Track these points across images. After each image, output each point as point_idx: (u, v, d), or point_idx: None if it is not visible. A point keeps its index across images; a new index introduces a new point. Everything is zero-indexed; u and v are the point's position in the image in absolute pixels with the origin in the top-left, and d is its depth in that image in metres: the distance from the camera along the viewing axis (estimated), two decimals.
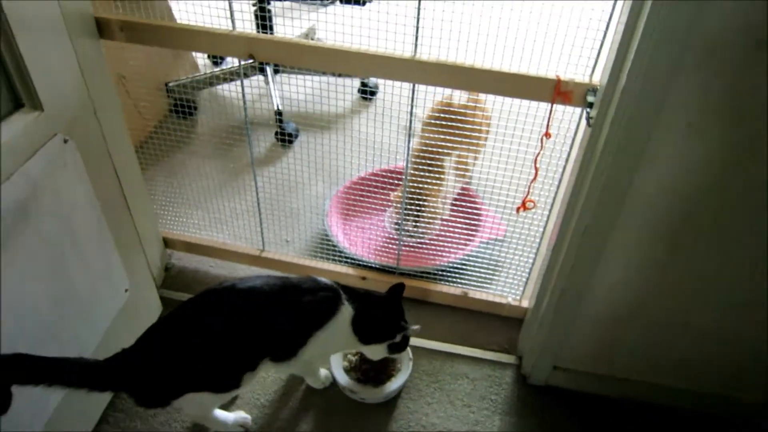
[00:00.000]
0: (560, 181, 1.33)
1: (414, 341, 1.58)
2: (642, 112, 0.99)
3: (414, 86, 1.26)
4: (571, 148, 1.26)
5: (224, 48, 1.27)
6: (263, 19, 1.98)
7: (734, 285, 1.20)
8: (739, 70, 0.92)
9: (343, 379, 1.45)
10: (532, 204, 1.32)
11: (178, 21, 1.44)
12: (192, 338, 1.16)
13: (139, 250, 1.52)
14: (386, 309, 1.33)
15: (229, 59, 2.58)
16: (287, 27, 2.41)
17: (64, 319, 1.17)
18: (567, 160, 1.29)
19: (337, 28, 1.28)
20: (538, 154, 1.22)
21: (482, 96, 1.85)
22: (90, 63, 1.23)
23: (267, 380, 1.49)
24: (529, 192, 1.30)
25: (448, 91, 1.82)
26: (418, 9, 1.16)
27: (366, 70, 1.22)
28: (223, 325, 1.17)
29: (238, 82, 1.45)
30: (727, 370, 1.37)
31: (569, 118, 1.22)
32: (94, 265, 1.24)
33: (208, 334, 1.16)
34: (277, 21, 2.35)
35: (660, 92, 0.96)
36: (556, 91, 1.14)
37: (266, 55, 1.24)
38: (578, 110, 1.20)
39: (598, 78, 1.11)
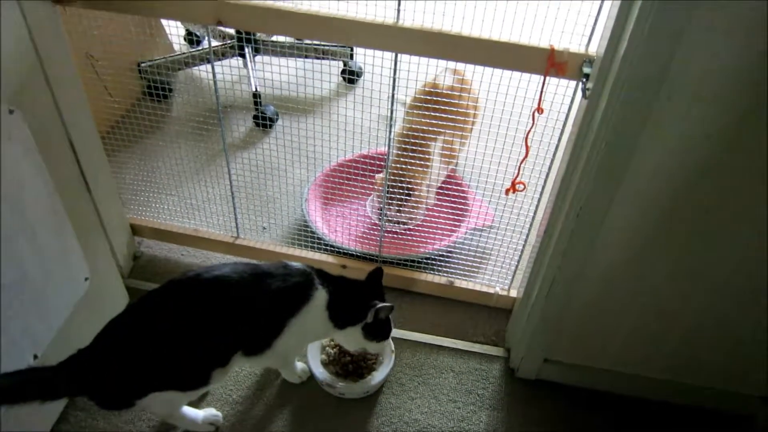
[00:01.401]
0: (552, 161, 1.25)
1: (397, 333, 1.50)
2: (643, 80, 0.91)
3: (397, 56, 1.17)
4: (564, 124, 1.18)
5: (190, 14, 1.17)
6: None
7: (733, 270, 1.13)
8: (751, 29, 0.83)
9: (321, 373, 1.36)
10: (522, 186, 1.23)
11: None
12: (154, 333, 1.07)
13: (101, 236, 1.42)
14: (360, 290, 1.25)
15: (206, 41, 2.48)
16: None
17: (13, 310, 1.06)
18: (560, 139, 1.21)
19: (322, 5, 1.19)
20: (530, 130, 1.14)
21: (468, 76, 1.77)
22: (42, 29, 1.12)
23: (240, 375, 1.39)
24: (519, 173, 1.22)
25: (433, 74, 1.74)
26: None
27: (345, 36, 1.13)
28: (187, 318, 1.08)
29: (217, 64, 1.35)
30: (723, 364, 1.31)
31: (563, 93, 1.14)
32: (48, 250, 1.14)
33: (172, 328, 1.07)
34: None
35: (663, 58, 0.88)
36: (550, 62, 1.05)
37: (236, 21, 1.14)
38: (572, 86, 1.12)
39: (595, 49, 1.03)
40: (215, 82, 1.38)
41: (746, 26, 0.83)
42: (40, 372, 1.04)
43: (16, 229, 1.04)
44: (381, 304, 1.20)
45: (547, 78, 1.08)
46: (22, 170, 1.04)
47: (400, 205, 1.64)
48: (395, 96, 1.26)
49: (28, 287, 1.09)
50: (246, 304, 1.12)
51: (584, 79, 1.03)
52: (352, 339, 1.26)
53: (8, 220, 1.02)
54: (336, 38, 1.13)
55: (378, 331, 1.25)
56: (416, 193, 1.63)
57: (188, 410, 1.26)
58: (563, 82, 1.10)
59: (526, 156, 1.17)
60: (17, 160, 1.02)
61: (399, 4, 1.08)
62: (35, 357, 1.13)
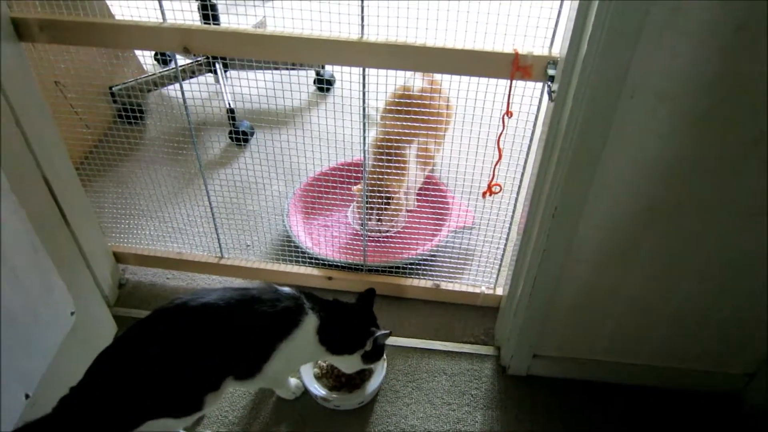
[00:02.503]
0: (525, 161, 1.27)
1: (388, 340, 1.50)
2: (606, 80, 0.92)
3: (364, 71, 1.18)
4: (534, 126, 1.20)
5: (156, 42, 1.17)
6: (207, 18, 1.88)
7: (711, 258, 1.16)
8: (706, 28, 0.86)
9: (314, 387, 1.37)
10: (499, 188, 1.25)
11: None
12: (143, 363, 1.07)
13: (84, 268, 1.41)
14: (354, 316, 1.26)
15: (179, 60, 2.47)
16: (236, 23, 2.31)
17: (1, 352, 1.06)
18: (531, 140, 1.23)
19: (286, 22, 1.20)
20: (501, 134, 1.16)
21: (438, 78, 1.78)
22: (8, 67, 1.12)
23: (235, 395, 1.40)
24: (494, 175, 1.24)
25: (402, 80, 1.75)
26: None
27: (311, 56, 1.13)
28: (176, 346, 1.08)
29: (188, 83, 1.35)
30: (707, 345, 1.33)
31: (531, 94, 1.16)
32: (30, 287, 1.13)
33: (161, 356, 1.08)
34: (223, 18, 2.25)
35: (623, 57, 0.90)
36: (515, 66, 1.07)
37: (203, 47, 1.14)
38: (539, 87, 1.14)
39: (558, 50, 1.05)
40: (185, 105, 1.38)
41: (701, 24, 0.85)
42: (38, 425, 1.03)
43: None
44: (379, 333, 1.23)
45: (514, 81, 1.09)
46: None
47: (380, 215, 1.65)
48: (366, 108, 1.28)
49: (14, 328, 1.09)
50: (234, 329, 1.12)
51: (549, 81, 1.05)
52: (348, 363, 1.28)
53: None
54: (302, 58, 1.14)
55: (376, 354, 1.27)
56: (395, 200, 1.64)
57: None
58: (530, 84, 1.12)
59: (500, 159, 1.19)
60: None
61: (363, 20, 1.09)
62: (27, 396, 1.12)
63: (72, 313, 1.27)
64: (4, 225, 1.06)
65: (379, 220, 1.66)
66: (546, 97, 1.11)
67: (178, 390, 1.10)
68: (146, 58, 2.34)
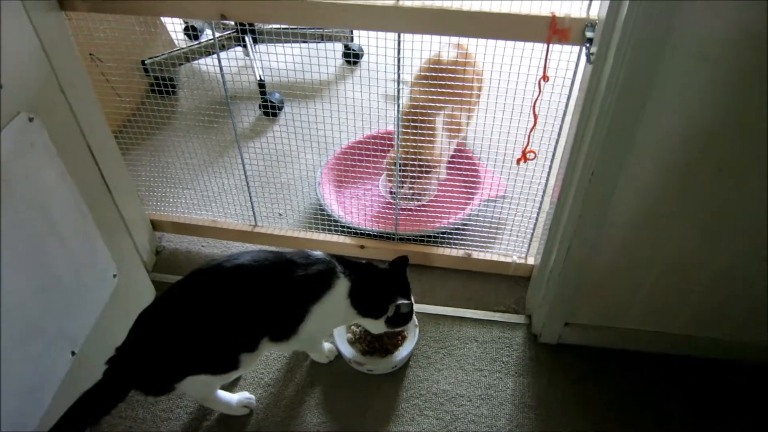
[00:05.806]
0: (561, 127, 1.26)
1: (419, 307, 1.53)
2: (646, 41, 0.91)
3: (400, 36, 1.18)
4: (570, 89, 1.19)
5: (193, 10, 1.18)
6: None
7: (750, 221, 1.14)
8: None
9: (348, 351, 1.40)
10: (533, 154, 1.25)
11: None
12: (182, 321, 1.11)
13: (125, 234, 1.45)
14: (383, 281, 1.27)
15: (206, 33, 2.49)
16: None
17: (49, 311, 1.11)
18: (567, 104, 1.21)
19: None
20: (536, 99, 1.15)
21: (472, 50, 1.77)
22: (51, 36, 1.15)
23: (270, 358, 1.44)
24: (529, 142, 1.23)
25: (436, 49, 1.74)
26: None
27: (347, 21, 1.14)
28: (211, 305, 1.12)
29: (218, 56, 1.37)
30: (743, 314, 1.32)
31: (567, 59, 1.14)
32: (77, 250, 1.18)
33: (197, 315, 1.11)
34: None
35: (666, 18, 0.88)
36: (552, 29, 1.06)
37: (239, 14, 1.15)
38: (576, 51, 1.13)
39: (596, 12, 1.04)
40: (222, 74, 1.39)
41: None
42: (96, 391, 1.07)
43: (46, 234, 1.08)
44: (401, 302, 1.24)
45: (551, 45, 1.08)
46: (47, 176, 1.07)
47: (413, 183, 1.65)
48: (401, 74, 1.27)
49: (60, 288, 1.13)
50: (267, 291, 1.15)
51: (588, 44, 1.03)
52: (374, 326, 1.30)
53: (38, 226, 1.06)
54: (338, 23, 1.14)
55: (399, 320, 1.29)
56: (425, 165, 1.64)
57: (223, 394, 1.30)
58: (567, 48, 1.11)
59: (535, 124, 1.18)
60: (42, 166, 1.05)
61: None
62: (73, 353, 1.18)
63: (114, 276, 1.31)
64: (53, 191, 1.10)
65: (411, 187, 1.67)
66: (583, 60, 1.10)
67: (215, 348, 1.14)
68: (176, 26, 2.36)
